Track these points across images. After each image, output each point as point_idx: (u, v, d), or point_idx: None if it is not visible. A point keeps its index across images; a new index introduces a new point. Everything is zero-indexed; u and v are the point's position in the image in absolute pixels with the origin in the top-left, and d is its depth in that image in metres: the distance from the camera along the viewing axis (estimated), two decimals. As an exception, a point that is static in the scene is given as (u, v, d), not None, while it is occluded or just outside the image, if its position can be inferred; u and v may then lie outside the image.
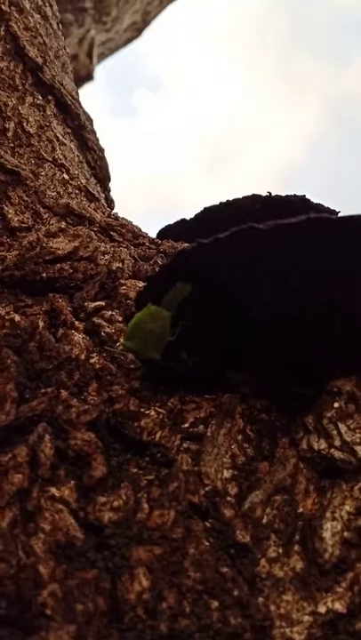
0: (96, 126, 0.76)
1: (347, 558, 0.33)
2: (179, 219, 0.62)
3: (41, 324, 0.43)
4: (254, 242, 0.35)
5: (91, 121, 0.75)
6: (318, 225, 0.34)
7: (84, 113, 0.73)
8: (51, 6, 0.74)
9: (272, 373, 0.39)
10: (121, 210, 0.69)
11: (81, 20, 1.86)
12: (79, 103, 0.73)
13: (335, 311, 0.37)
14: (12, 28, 0.65)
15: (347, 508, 0.34)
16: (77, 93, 0.75)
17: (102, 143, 0.76)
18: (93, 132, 0.74)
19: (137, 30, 2.18)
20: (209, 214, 0.57)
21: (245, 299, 0.38)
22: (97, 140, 0.74)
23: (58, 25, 0.75)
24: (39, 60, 0.65)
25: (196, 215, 0.58)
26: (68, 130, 0.68)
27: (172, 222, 0.63)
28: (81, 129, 0.70)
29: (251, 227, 0.34)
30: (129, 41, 2.20)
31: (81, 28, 1.86)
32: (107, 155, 0.76)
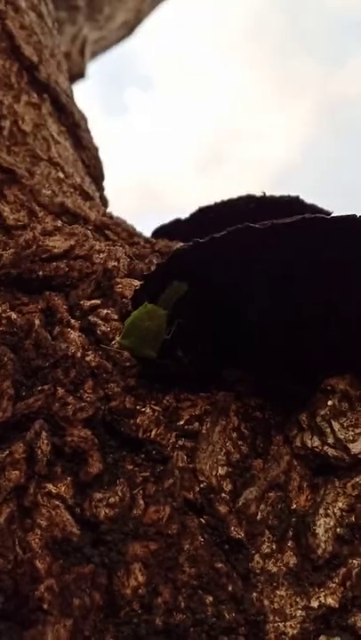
0: (89, 125, 0.76)
1: (339, 554, 0.34)
2: (173, 218, 0.62)
3: (37, 322, 0.44)
4: (250, 241, 0.35)
5: (85, 119, 0.75)
6: (313, 225, 0.34)
7: (79, 111, 0.74)
8: (46, 5, 0.74)
9: (268, 372, 0.40)
10: (114, 209, 0.69)
11: (74, 18, 1.86)
12: (73, 102, 0.73)
13: (331, 312, 0.37)
14: (7, 27, 0.65)
15: (340, 504, 0.35)
16: (72, 92, 0.76)
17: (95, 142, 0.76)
18: (88, 131, 0.74)
19: (129, 28, 2.17)
20: (204, 214, 0.57)
21: (242, 299, 0.38)
22: (91, 138, 0.75)
23: (53, 23, 0.75)
24: (35, 58, 0.66)
25: (190, 215, 0.58)
26: (63, 128, 0.68)
27: (166, 222, 0.63)
28: (75, 127, 0.70)
29: (247, 226, 0.34)
30: (121, 39, 2.20)
31: (74, 26, 1.85)
32: (100, 153, 0.76)
